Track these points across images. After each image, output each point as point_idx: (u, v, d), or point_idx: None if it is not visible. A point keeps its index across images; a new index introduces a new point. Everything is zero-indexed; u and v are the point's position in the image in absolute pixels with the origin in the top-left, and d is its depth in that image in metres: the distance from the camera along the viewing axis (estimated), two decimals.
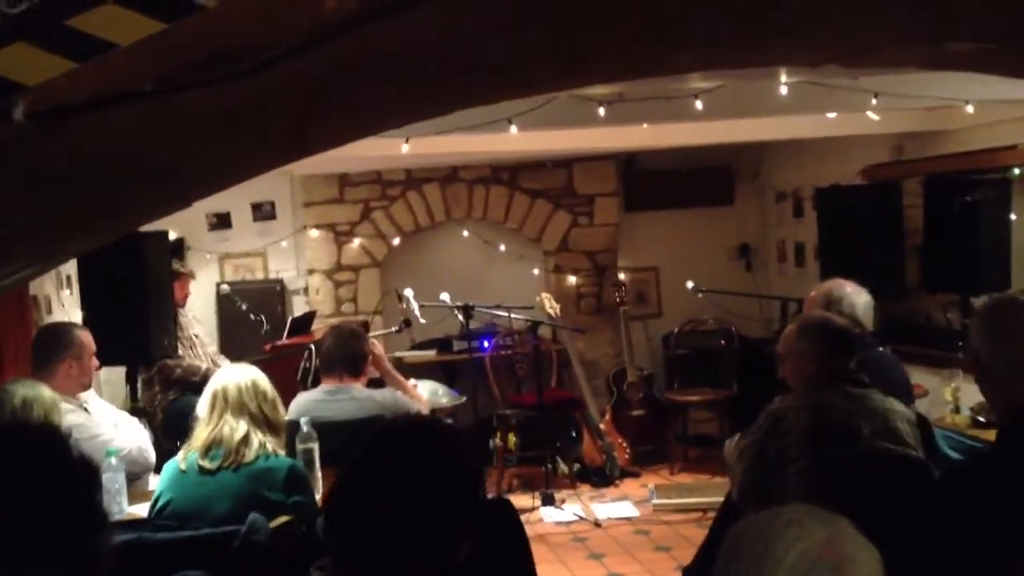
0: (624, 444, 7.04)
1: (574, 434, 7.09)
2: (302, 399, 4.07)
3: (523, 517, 6.07)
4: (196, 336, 6.48)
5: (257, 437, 3.05)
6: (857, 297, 3.87)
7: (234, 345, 6.91)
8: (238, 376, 3.18)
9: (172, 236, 7.27)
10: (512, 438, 7.06)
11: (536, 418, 6.70)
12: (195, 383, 5.85)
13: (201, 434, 3.08)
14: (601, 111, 4.11)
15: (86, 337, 4.10)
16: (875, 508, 3.06)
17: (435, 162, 7.40)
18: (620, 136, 6.15)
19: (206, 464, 3.01)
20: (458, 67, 2.02)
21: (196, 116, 1.65)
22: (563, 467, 7.01)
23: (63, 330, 4.13)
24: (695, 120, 4.53)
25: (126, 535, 2.74)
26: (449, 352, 7.37)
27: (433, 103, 2.42)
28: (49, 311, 5.56)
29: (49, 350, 4.00)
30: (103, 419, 4.10)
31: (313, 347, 5.37)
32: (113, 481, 3.49)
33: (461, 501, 1.63)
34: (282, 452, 3.14)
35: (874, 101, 4.27)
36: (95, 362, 4.16)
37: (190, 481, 3.02)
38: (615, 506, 6.32)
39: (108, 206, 2.10)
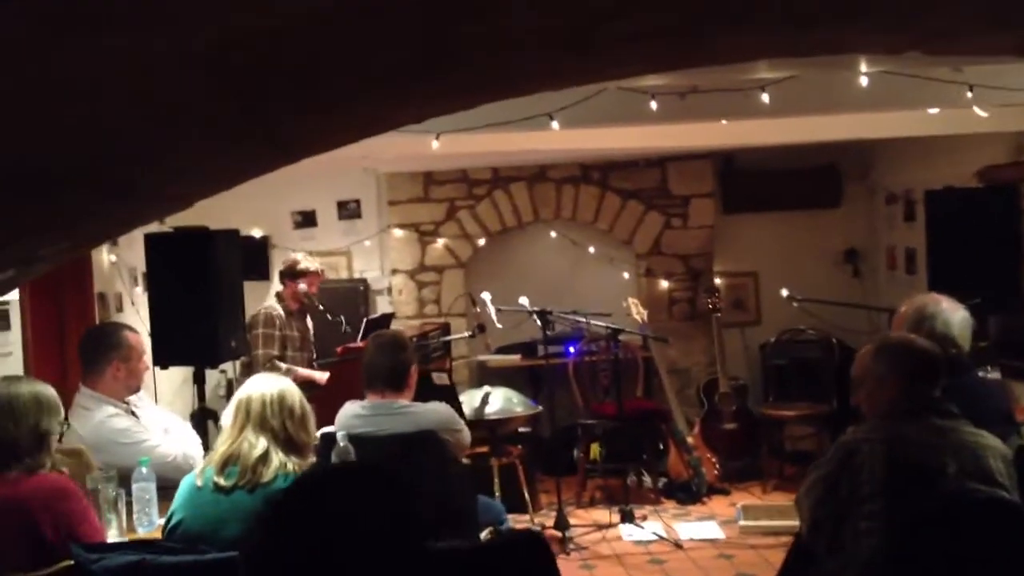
0: (713, 459, 6.68)
1: (661, 446, 6.77)
2: (345, 413, 3.88)
3: (600, 534, 5.87)
4: (310, 342, 6.45)
5: (278, 456, 2.85)
6: (953, 314, 3.46)
7: (317, 346, 6.82)
8: (264, 387, 2.98)
9: (258, 234, 7.27)
10: (596, 448, 6.79)
11: (621, 428, 6.41)
12: None
13: (220, 447, 2.90)
14: (652, 105, 3.75)
15: (135, 339, 4.00)
16: (960, 558, 2.72)
17: (522, 160, 7.17)
18: (716, 133, 5.79)
19: (221, 481, 2.82)
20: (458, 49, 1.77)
21: (132, 116, 1.44)
22: (647, 480, 6.70)
23: (111, 331, 4.03)
24: (769, 116, 4.15)
25: (129, 557, 2.58)
26: (533, 357, 7.14)
27: (441, 95, 2.17)
28: (120, 309, 5.53)
29: (96, 351, 3.92)
30: (151, 424, 4.00)
31: None
32: (144, 491, 3.35)
33: (396, 553, 1.40)
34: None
35: (969, 94, 3.82)
36: (145, 364, 4.06)
37: (205, 499, 2.83)
38: (700, 526, 5.98)
39: (75, 216, 1.92)
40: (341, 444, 3.36)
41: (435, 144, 4.08)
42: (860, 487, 2.81)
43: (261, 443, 2.85)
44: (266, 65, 1.58)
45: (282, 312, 6.10)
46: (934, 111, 4.67)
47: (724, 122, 4.69)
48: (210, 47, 1.44)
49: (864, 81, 3.50)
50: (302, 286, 6.14)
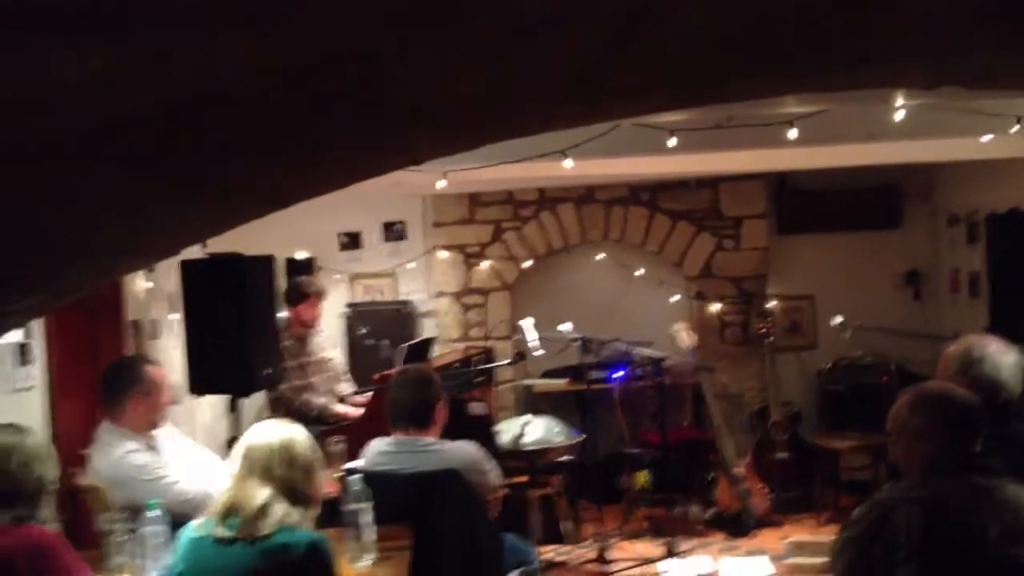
0: (765, 490, 6.45)
1: (711, 476, 6.56)
2: (371, 449, 3.78)
3: (643, 569, 5.69)
4: (327, 360, 6.33)
5: (280, 508, 2.73)
6: (1002, 357, 3.23)
7: (361, 370, 6.73)
8: (272, 435, 2.87)
9: (303, 255, 7.23)
10: (644, 476, 6.62)
11: (668, 457, 6.22)
12: (310, 419, 5.66)
13: (222, 496, 2.81)
14: (671, 143, 3.59)
15: (157, 373, 3.94)
16: None
17: (569, 182, 7.03)
18: (763, 158, 5.58)
19: (221, 532, 2.72)
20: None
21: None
22: (695, 511, 6.50)
23: (132, 364, 3.98)
24: (804, 146, 3.95)
25: None
26: (582, 380, 6.97)
27: (437, 140, 2.06)
28: (155, 335, 5.50)
29: (117, 385, 3.87)
30: (175, 459, 3.94)
31: None
32: (154, 536, 3.27)
33: None
34: (308, 525, 2.82)
35: (1016, 127, 3.59)
36: (168, 398, 4.00)
37: (204, 551, 2.73)
38: (748, 561, 5.76)
39: (39, 272, 1.85)
40: (356, 488, 3.25)
41: (441, 183, 3.97)
42: (895, 550, 2.61)
43: (263, 494, 2.75)
44: (235, 118, 1.48)
45: (289, 341, 5.80)
46: (987, 138, 4.43)
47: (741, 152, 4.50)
48: (173, 100, 1.35)
49: (900, 114, 3.30)
50: (305, 310, 5.94)
